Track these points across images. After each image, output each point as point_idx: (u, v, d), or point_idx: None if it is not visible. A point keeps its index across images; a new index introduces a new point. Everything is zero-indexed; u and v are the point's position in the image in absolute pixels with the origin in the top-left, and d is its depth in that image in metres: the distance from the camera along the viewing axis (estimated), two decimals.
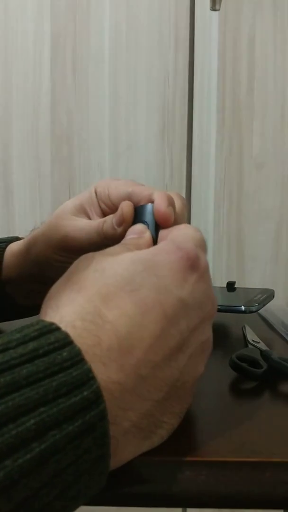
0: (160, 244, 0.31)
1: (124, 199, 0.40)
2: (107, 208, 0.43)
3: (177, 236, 0.32)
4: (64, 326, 0.25)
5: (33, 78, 0.91)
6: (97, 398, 0.23)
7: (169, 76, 0.90)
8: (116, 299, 0.27)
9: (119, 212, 0.38)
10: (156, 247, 0.31)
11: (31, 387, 0.22)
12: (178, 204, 0.39)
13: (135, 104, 0.91)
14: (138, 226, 0.36)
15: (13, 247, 0.48)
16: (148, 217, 0.37)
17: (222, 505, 0.28)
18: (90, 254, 0.31)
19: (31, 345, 0.23)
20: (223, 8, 0.86)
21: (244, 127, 0.90)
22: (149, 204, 0.37)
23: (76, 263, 0.31)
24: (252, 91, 0.90)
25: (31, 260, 0.45)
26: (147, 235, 0.35)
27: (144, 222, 0.37)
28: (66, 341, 0.24)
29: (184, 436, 0.30)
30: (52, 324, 0.24)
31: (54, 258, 0.42)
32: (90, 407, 0.23)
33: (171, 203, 0.37)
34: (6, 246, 0.48)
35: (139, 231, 0.35)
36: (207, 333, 0.31)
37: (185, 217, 0.40)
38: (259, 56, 0.89)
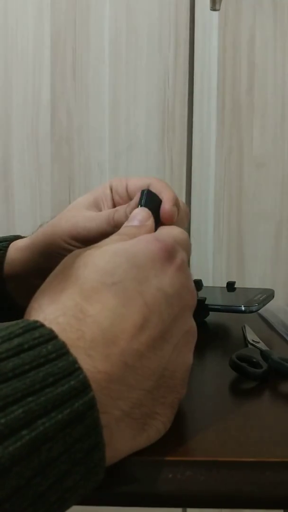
0: (141, 236, 0.32)
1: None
2: (121, 201, 0.44)
3: (159, 231, 0.34)
4: (48, 324, 0.25)
5: (33, 78, 0.91)
6: (84, 387, 0.23)
7: (169, 76, 0.90)
8: (98, 294, 0.27)
9: (134, 201, 0.39)
10: (136, 238, 0.32)
11: (17, 378, 0.22)
12: (180, 210, 0.41)
13: (135, 104, 0.91)
14: (142, 212, 0.37)
15: (18, 243, 0.48)
16: (150, 204, 0.38)
17: (222, 505, 0.28)
18: (77, 252, 0.32)
19: (16, 341, 0.23)
20: (223, 8, 0.86)
21: (244, 127, 0.90)
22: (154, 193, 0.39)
23: (62, 262, 0.32)
24: (252, 91, 0.90)
25: (37, 252, 0.45)
26: (149, 224, 0.36)
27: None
28: (50, 336, 0.24)
29: (184, 436, 0.30)
30: (36, 321, 0.25)
31: (63, 247, 0.43)
32: (78, 396, 0.23)
33: (176, 203, 0.39)
34: (9, 244, 0.49)
35: (141, 218, 0.36)
36: (189, 323, 0.31)
37: (184, 225, 0.41)
38: (259, 56, 0.89)
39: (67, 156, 0.92)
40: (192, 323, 0.32)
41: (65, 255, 0.43)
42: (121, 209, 0.41)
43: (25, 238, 0.49)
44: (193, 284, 0.32)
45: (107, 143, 0.92)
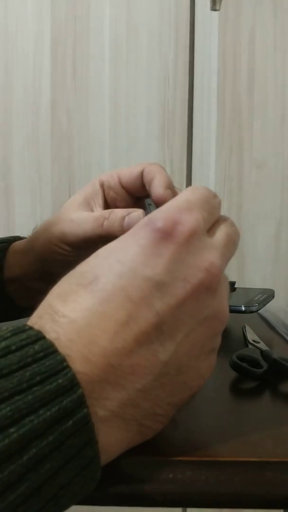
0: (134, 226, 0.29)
1: (136, 179, 0.40)
2: (117, 196, 0.43)
3: (159, 208, 0.29)
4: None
5: (33, 78, 0.91)
6: (72, 385, 0.23)
7: (169, 76, 0.90)
8: (74, 295, 0.26)
9: (132, 217, 0.38)
10: (129, 230, 0.29)
11: (5, 378, 0.22)
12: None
13: (135, 104, 0.91)
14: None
15: (16, 246, 0.48)
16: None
17: (222, 505, 0.28)
18: None
19: (4, 344, 0.23)
20: (223, 8, 0.86)
21: (244, 127, 0.90)
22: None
23: None
24: (252, 91, 0.90)
25: (34, 256, 0.45)
26: None
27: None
28: (38, 336, 0.24)
29: (184, 436, 0.30)
30: (25, 325, 0.25)
31: (56, 252, 0.43)
32: (66, 394, 0.23)
33: (171, 187, 0.37)
34: (9, 245, 0.48)
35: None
36: (210, 307, 0.27)
37: None
38: (259, 56, 0.89)
39: (67, 156, 0.92)
40: (216, 306, 0.27)
41: (59, 258, 0.43)
42: (113, 217, 0.39)
43: (22, 241, 0.49)
44: (211, 256, 0.27)
45: (107, 143, 0.92)
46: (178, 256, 0.26)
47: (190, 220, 0.27)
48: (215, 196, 0.30)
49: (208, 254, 0.27)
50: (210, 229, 0.30)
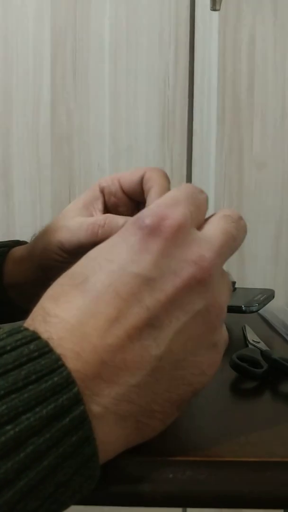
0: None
1: (137, 185, 0.40)
2: (119, 201, 0.43)
3: (148, 206, 0.29)
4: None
5: (33, 78, 0.91)
6: (68, 383, 0.23)
7: (169, 76, 0.90)
8: (65, 295, 0.27)
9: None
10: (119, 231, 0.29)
11: (0, 378, 0.22)
12: None
13: (135, 104, 0.91)
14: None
15: (15, 253, 0.48)
16: None
17: (222, 505, 0.28)
18: None
19: None
20: (223, 8, 0.86)
21: (244, 127, 0.90)
22: None
23: None
24: (252, 91, 0.90)
25: (35, 264, 0.45)
26: None
27: None
28: (33, 337, 0.24)
29: (184, 436, 0.30)
30: (20, 327, 0.25)
31: (55, 259, 0.43)
32: (62, 392, 0.23)
33: None
34: (8, 250, 0.48)
35: None
36: (204, 300, 0.27)
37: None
38: (259, 56, 0.89)
39: (67, 156, 0.92)
40: (210, 299, 0.27)
41: (59, 266, 0.43)
42: (109, 225, 0.39)
43: (21, 247, 0.49)
44: (199, 249, 0.27)
45: (107, 143, 0.92)
46: (166, 250, 0.26)
47: (176, 215, 0.27)
48: (201, 192, 0.30)
49: (197, 247, 0.27)
50: (202, 224, 0.30)
